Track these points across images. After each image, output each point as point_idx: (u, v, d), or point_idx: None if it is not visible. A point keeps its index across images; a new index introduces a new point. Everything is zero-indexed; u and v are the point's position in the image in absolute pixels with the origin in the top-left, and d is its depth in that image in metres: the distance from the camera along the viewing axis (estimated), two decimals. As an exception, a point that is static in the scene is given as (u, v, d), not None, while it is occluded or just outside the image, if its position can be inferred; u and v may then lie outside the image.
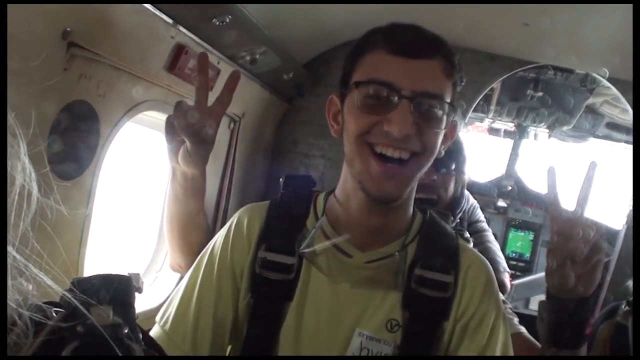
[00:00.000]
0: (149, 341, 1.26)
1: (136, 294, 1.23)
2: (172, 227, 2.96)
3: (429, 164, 2.08)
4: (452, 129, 2.17)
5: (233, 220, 2.27)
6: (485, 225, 4.85)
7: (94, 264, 2.88)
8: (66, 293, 1.08)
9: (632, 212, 4.81)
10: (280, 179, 2.36)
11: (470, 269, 2.19)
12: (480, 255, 2.34)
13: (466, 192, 4.92)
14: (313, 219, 2.23)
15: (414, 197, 2.22)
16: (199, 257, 2.27)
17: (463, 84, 2.12)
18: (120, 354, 1.06)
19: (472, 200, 4.90)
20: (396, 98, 1.92)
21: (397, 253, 2.12)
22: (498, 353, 2.13)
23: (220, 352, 2.18)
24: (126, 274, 1.22)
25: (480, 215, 4.88)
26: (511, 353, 2.19)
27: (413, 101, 1.92)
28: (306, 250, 2.09)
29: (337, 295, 2.13)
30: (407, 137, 1.92)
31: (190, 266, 2.27)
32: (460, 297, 2.14)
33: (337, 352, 2.09)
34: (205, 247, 2.29)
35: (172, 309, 2.17)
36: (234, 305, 2.16)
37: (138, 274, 1.26)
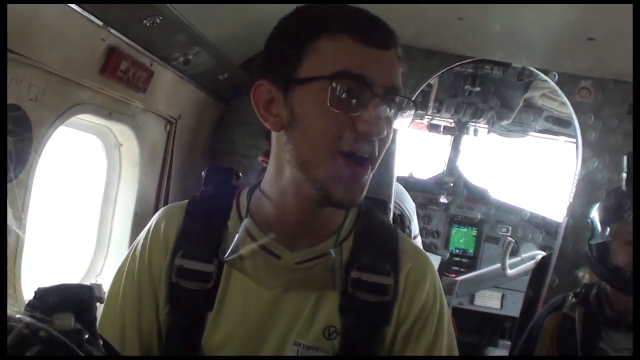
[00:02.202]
0: (108, 347, 1.33)
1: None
2: None
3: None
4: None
5: (152, 223, 2.13)
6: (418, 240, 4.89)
7: (31, 270, 2.83)
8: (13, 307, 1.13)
9: (571, 204, 4.85)
10: (203, 173, 2.22)
11: (412, 270, 2.05)
12: (422, 251, 2.22)
13: (406, 210, 4.93)
14: (235, 219, 2.07)
15: None
16: (122, 261, 2.14)
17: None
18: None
19: (413, 228, 4.90)
20: (368, 94, 1.74)
21: (331, 252, 1.96)
22: (444, 354, 2.04)
23: None
24: (89, 284, 1.28)
25: (414, 229, 4.89)
26: (456, 353, 2.10)
27: (384, 98, 1.76)
28: (230, 257, 1.94)
29: (264, 301, 1.97)
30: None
31: None
32: (402, 300, 2.01)
33: None
34: (128, 251, 2.14)
35: (98, 319, 2.06)
36: (157, 316, 2.03)
37: (100, 285, 1.32)
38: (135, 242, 2.15)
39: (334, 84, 1.74)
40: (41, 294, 1.25)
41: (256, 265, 1.98)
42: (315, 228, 2.03)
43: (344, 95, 1.74)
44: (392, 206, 4.64)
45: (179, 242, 2.02)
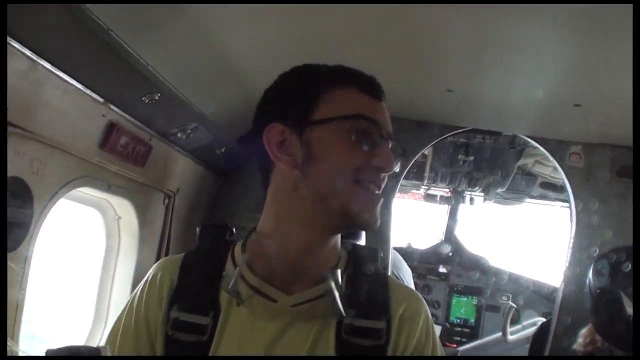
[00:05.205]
0: None
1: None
2: None
3: None
4: None
5: (148, 276, 2.16)
6: None
7: (30, 342, 2.85)
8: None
9: (567, 269, 4.88)
10: (197, 229, 2.27)
11: (405, 311, 2.09)
12: (414, 291, 2.28)
13: (402, 278, 4.91)
14: (231, 271, 2.07)
15: None
16: (119, 315, 2.15)
17: None
18: None
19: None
20: (381, 136, 1.95)
21: (335, 290, 1.97)
22: None
23: None
24: (96, 346, 1.29)
25: None
26: None
27: (390, 141, 1.99)
28: (232, 288, 1.95)
29: (259, 345, 1.98)
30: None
31: None
32: (396, 342, 2.04)
33: None
34: (125, 304, 2.16)
35: None
36: None
37: (106, 347, 1.32)
38: (132, 295, 2.17)
39: (354, 123, 1.93)
40: (51, 355, 1.28)
41: (253, 310, 2.01)
42: (310, 270, 2.04)
43: (361, 134, 1.93)
44: (390, 268, 4.66)
45: (175, 295, 2.06)
